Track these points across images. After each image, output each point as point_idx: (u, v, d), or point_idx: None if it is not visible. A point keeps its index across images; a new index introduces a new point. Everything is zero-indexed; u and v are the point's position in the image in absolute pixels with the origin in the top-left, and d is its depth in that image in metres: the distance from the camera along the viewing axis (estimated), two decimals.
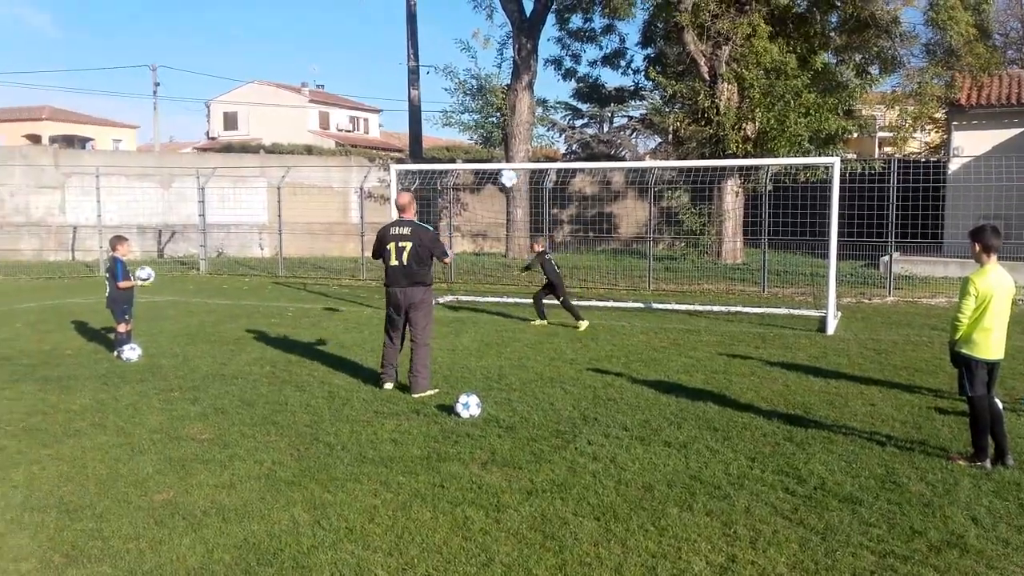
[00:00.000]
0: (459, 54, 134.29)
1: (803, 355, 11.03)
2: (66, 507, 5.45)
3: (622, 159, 42.14)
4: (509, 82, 27.20)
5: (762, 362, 10.45)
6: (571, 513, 5.37)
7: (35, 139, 51.94)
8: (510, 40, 27.49)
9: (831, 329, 12.93)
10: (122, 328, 10.90)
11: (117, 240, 11.17)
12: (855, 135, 27.31)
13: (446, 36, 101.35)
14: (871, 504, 5.54)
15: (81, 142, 54.73)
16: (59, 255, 26.37)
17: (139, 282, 11.13)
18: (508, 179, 11.92)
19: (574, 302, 13.93)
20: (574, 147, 44.12)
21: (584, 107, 42.76)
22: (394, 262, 8.68)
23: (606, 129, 48.92)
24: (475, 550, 4.81)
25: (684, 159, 26.81)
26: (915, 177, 20.72)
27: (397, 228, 8.79)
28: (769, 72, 22.60)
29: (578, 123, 45.08)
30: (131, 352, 10.46)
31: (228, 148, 44.48)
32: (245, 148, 42.06)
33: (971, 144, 23.18)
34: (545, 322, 13.59)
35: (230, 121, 65.34)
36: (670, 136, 38.36)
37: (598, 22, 29.73)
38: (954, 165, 23.23)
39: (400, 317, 8.85)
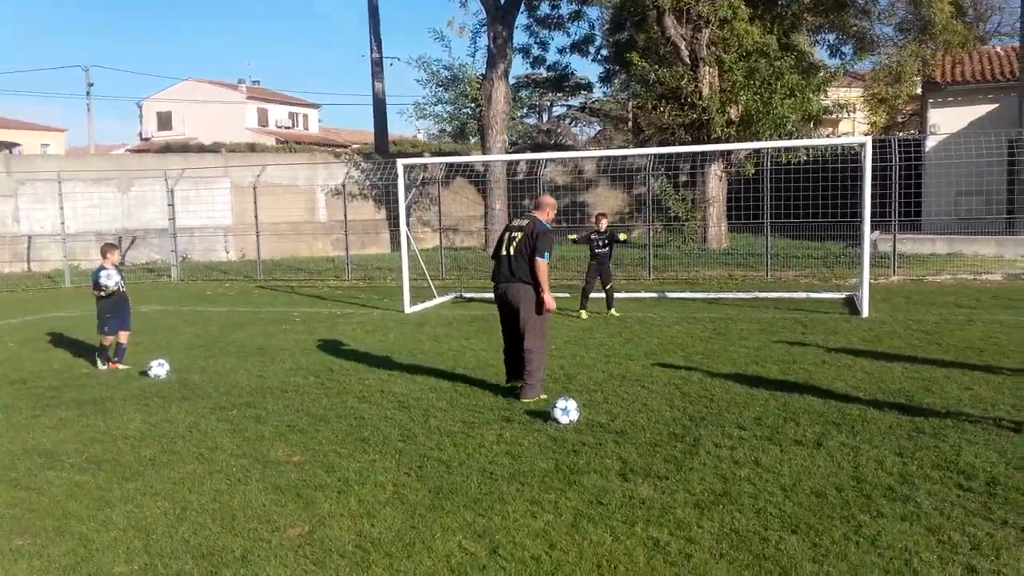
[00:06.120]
0: (430, 44, 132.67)
1: (857, 339, 10.82)
2: (199, 551, 4.81)
3: (565, 148, 42.25)
4: (484, 72, 26.55)
5: (824, 349, 10.18)
6: (761, 527, 4.93)
7: None
8: (484, 28, 26.86)
9: (866, 311, 12.77)
10: (107, 341, 10.37)
11: (108, 248, 10.59)
12: (834, 115, 27.38)
13: (416, 26, 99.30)
14: None
15: (8, 147, 52.22)
16: (14, 266, 24.93)
17: (102, 292, 10.24)
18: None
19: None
20: (514, 137, 43.69)
21: (524, 95, 42.32)
22: (503, 252, 8.18)
23: (545, 119, 48.72)
24: None
25: (643, 145, 26.67)
26: (888, 156, 20.81)
27: (518, 220, 8.40)
28: (750, 54, 22.45)
29: (517, 114, 44.67)
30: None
31: (167, 148, 42.68)
32: (186, 148, 40.44)
33: (947, 121, 23.47)
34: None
35: (164, 121, 63.28)
36: (630, 123, 38.21)
37: (566, 8, 29.34)
38: (931, 143, 23.47)
39: (508, 316, 8.31)
